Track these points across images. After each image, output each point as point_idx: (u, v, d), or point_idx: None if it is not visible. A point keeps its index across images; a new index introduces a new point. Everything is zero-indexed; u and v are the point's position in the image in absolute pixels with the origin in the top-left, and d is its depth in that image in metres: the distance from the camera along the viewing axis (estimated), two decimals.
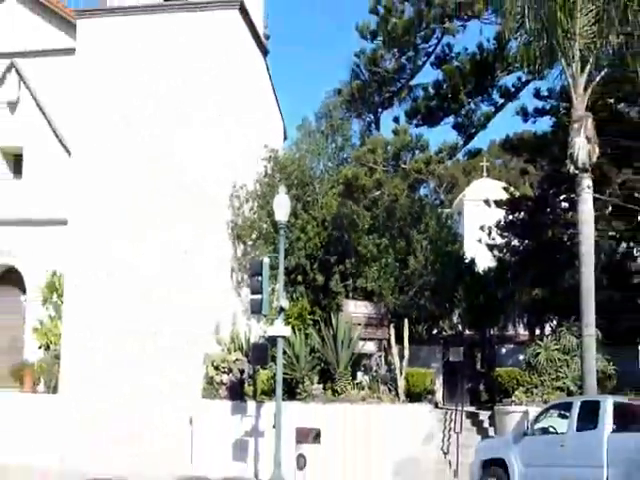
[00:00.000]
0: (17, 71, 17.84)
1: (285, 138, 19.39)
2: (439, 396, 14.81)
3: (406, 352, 13.22)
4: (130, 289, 14.98)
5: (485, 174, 22.01)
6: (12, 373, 15.30)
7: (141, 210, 15.23)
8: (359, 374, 13.59)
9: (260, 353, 12.86)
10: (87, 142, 15.92)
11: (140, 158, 15.53)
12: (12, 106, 17.77)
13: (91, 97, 16.05)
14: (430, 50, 15.61)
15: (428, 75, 15.95)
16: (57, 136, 17.48)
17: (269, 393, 12.71)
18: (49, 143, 17.49)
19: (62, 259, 15.85)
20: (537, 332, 16.51)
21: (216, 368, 13.67)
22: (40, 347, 15.80)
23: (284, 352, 12.14)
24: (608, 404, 8.82)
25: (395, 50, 15.39)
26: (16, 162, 18.26)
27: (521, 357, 14.73)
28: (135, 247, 15.03)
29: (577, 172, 10.70)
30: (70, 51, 16.65)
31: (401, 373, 13.06)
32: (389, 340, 13.46)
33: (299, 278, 14.56)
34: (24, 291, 17.09)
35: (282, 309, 12.19)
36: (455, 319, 15.55)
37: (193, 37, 15.75)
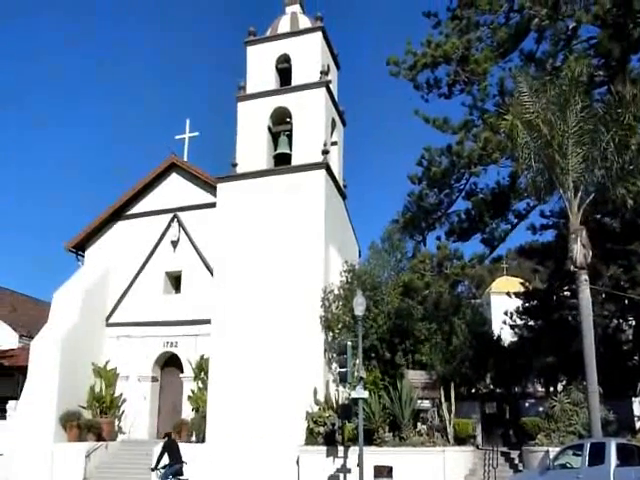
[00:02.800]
0: (178, 220, 20.45)
1: (360, 256, 20.88)
2: (479, 439, 15.28)
3: (453, 407, 14.02)
4: (255, 367, 16.39)
5: (505, 272, 23.40)
6: (173, 428, 17.00)
7: (262, 311, 16.77)
8: (419, 424, 14.33)
9: (346, 411, 14.52)
10: (224, 266, 17.70)
11: (261, 276, 17.09)
12: (174, 244, 20.44)
13: (226, 235, 17.86)
14: (461, 188, 16.78)
15: (460, 205, 17.54)
16: (204, 262, 19.57)
17: (354, 440, 13.66)
18: (198, 267, 19.69)
19: (207, 347, 17.62)
20: (551, 389, 16.74)
21: (315, 422, 14.93)
22: (192, 410, 17.51)
23: (363, 409, 13.21)
24: (612, 444, 9.23)
25: (436, 189, 16.69)
26: (176, 282, 20.43)
27: (540, 409, 14.92)
28: (258, 336, 16.64)
29: (576, 270, 11.26)
30: (212, 205, 18.87)
31: (450, 423, 13.87)
32: (440, 398, 14.24)
33: (373, 355, 15.60)
34: (182, 371, 18.99)
35: (361, 378, 13.31)
36: (488, 381, 16.15)
37: (295, 189, 17.53)
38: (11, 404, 19.09)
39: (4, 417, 19.13)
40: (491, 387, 16.14)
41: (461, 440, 13.74)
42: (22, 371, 19.79)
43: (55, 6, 69.22)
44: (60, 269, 55.93)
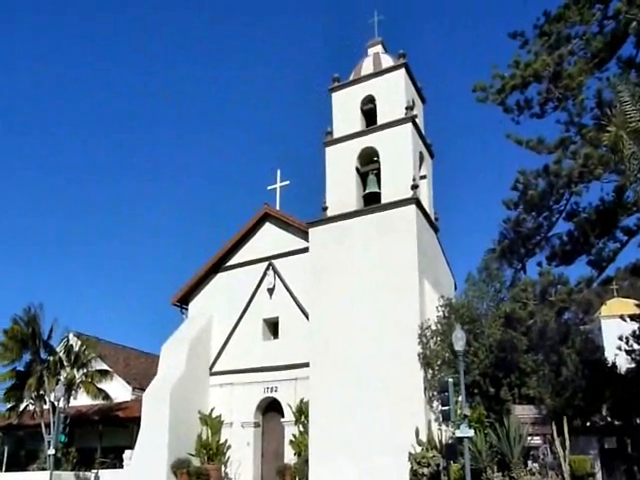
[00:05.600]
0: (273, 268, 21.76)
1: (456, 288, 20.92)
2: (599, 477, 14.44)
3: (567, 443, 13.35)
4: (354, 408, 16.80)
5: (616, 294, 21.92)
6: (277, 473, 17.96)
7: (359, 351, 17.24)
8: (529, 462, 13.79)
9: (451, 450, 14.38)
10: (318, 308, 18.48)
11: (356, 316, 17.61)
12: (270, 291, 21.70)
13: (319, 278, 18.71)
14: (561, 209, 16.25)
15: (562, 227, 17.18)
16: (299, 307, 20.54)
17: None
18: (294, 312, 20.68)
19: (306, 391, 18.28)
20: None
21: (418, 463, 14.88)
22: (294, 454, 18.24)
23: (469, 448, 13.09)
24: None
25: (533, 213, 16.29)
26: (274, 328, 21.55)
27: None
28: (356, 377, 17.09)
29: None
30: (305, 250, 19.86)
31: (565, 460, 13.18)
32: (552, 434, 13.64)
33: (476, 391, 15.33)
34: (283, 415, 19.85)
35: (465, 416, 13.22)
36: (605, 413, 15.24)
37: (386, 226, 18.10)
38: (127, 453, 20.97)
39: (121, 466, 21.04)
40: (609, 419, 15.29)
41: (578, 479, 13.24)
42: (136, 422, 21.77)
43: (140, 54, 77.39)
44: (166, 323, 60.43)
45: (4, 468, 26.44)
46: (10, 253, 69.54)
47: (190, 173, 78.78)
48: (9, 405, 24.62)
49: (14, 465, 25.95)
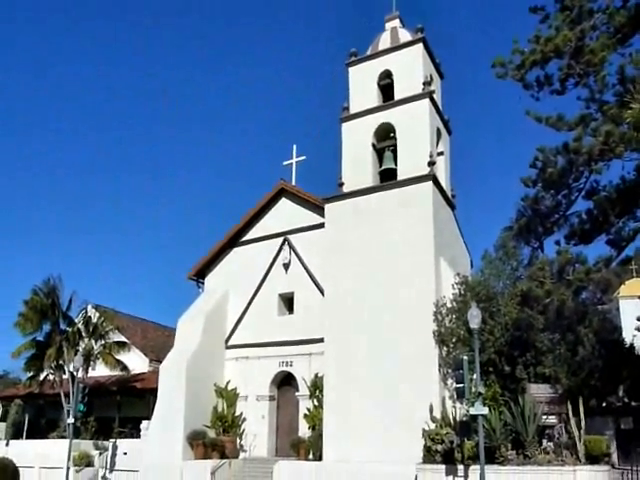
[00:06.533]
0: (289, 243, 21.89)
1: (472, 266, 20.74)
2: (615, 458, 14.39)
3: (582, 423, 13.22)
4: (368, 384, 16.79)
5: (635, 275, 21.54)
6: (291, 446, 18.19)
7: (374, 327, 17.19)
8: (544, 442, 13.72)
9: (465, 428, 14.34)
10: (334, 285, 18.38)
11: (371, 293, 17.54)
12: (286, 266, 21.86)
13: (335, 254, 18.58)
14: (581, 187, 16.06)
15: (581, 206, 16.79)
16: (314, 282, 20.69)
17: (473, 458, 13.39)
18: (309, 288, 20.85)
19: (321, 365, 18.37)
20: None
21: (432, 440, 14.62)
22: (309, 428, 18.38)
23: (483, 426, 13.10)
24: None
25: (552, 191, 16.14)
26: (289, 303, 21.73)
27: None
28: (371, 353, 17.04)
29: None
30: (321, 226, 19.76)
31: (580, 440, 13.06)
32: (567, 413, 13.55)
33: (491, 369, 15.25)
34: (297, 389, 20.08)
35: (480, 394, 13.26)
36: (621, 393, 15.13)
37: (403, 203, 17.92)
38: (144, 424, 21.30)
39: (139, 436, 21.39)
40: (625, 400, 15.14)
41: (593, 459, 12.93)
42: (153, 393, 22.11)
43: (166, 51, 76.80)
44: (183, 297, 61.01)
45: (25, 435, 27.01)
46: (32, 227, 70.34)
47: (213, 150, 78.72)
48: (29, 374, 25.07)
49: (35, 433, 26.58)
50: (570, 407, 13.67)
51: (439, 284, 17.37)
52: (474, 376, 13.75)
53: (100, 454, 21.60)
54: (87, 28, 75.15)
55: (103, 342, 24.94)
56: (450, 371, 16.01)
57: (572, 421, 13.53)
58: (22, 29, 76.21)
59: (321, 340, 18.48)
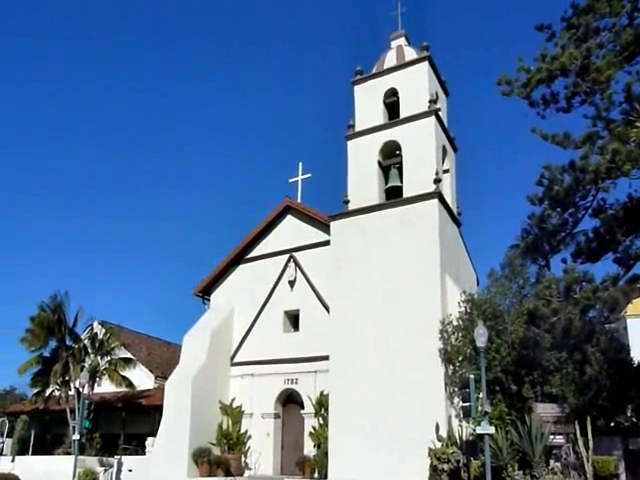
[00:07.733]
0: (294, 260, 21.75)
1: (478, 284, 20.56)
2: (623, 478, 13.91)
3: (590, 443, 13.08)
4: (374, 402, 16.64)
5: None
6: (296, 465, 18.01)
7: (379, 345, 17.08)
8: (551, 462, 13.56)
9: (471, 447, 14.26)
10: (339, 302, 18.29)
11: (377, 310, 17.44)
12: (291, 283, 21.69)
13: (340, 271, 18.51)
14: (587, 205, 15.87)
15: (587, 224, 16.72)
16: (320, 300, 20.49)
17: (480, 478, 13.25)
18: (314, 305, 20.64)
19: (326, 383, 18.22)
20: None
21: (438, 459, 14.70)
22: (314, 446, 18.20)
23: (490, 446, 12.94)
24: None
25: (559, 209, 15.95)
26: (295, 320, 21.54)
27: None
28: (376, 371, 16.89)
29: None
30: (326, 243, 19.71)
31: (588, 460, 12.95)
32: (575, 433, 13.39)
33: (497, 388, 15.02)
34: (302, 407, 19.85)
35: (486, 413, 13.10)
36: (629, 413, 14.94)
37: (408, 221, 17.83)
38: (149, 441, 21.15)
39: (144, 453, 21.24)
40: (634, 420, 14.90)
41: (601, 479, 12.95)
42: (158, 409, 21.97)
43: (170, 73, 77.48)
44: (188, 314, 60.93)
45: (31, 451, 26.88)
46: (38, 243, 70.69)
47: (218, 167, 79.17)
48: (35, 390, 25.00)
49: (40, 449, 26.43)
50: (578, 427, 13.54)
51: (445, 302, 17.22)
52: (480, 395, 13.58)
53: (105, 471, 21.42)
54: (90, 48, 76.13)
55: (109, 358, 24.87)
56: (456, 390, 15.86)
57: (580, 441, 13.40)
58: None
59: (326, 357, 18.37)
